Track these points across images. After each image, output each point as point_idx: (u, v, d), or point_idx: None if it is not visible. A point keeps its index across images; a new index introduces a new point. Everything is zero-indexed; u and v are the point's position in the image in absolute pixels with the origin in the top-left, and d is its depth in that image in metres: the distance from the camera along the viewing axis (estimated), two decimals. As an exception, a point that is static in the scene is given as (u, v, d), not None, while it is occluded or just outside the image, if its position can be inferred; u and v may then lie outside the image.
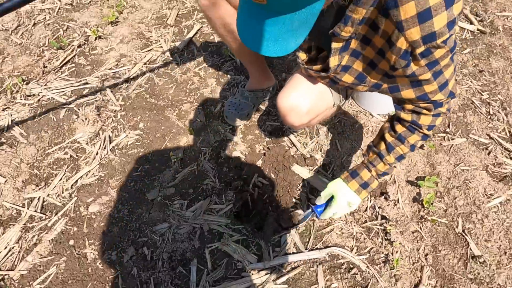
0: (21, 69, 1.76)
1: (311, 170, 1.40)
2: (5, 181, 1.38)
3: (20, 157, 1.45)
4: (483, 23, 1.96)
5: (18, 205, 1.33)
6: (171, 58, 1.81)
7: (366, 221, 1.28)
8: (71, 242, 1.24)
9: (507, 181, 1.38)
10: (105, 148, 1.48)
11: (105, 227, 1.27)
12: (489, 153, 1.45)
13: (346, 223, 1.28)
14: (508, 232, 1.25)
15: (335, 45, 0.79)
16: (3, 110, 1.60)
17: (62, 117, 1.57)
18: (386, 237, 1.24)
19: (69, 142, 1.50)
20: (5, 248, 1.23)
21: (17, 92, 1.65)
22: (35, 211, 1.31)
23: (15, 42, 1.89)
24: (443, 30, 0.69)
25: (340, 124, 1.54)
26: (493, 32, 1.91)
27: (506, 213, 1.29)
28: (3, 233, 1.26)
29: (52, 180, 1.40)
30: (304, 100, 0.98)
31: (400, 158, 0.97)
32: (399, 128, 0.94)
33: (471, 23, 1.95)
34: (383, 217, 1.28)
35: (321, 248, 1.22)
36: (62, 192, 1.36)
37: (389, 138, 0.96)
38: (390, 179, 1.37)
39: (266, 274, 1.18)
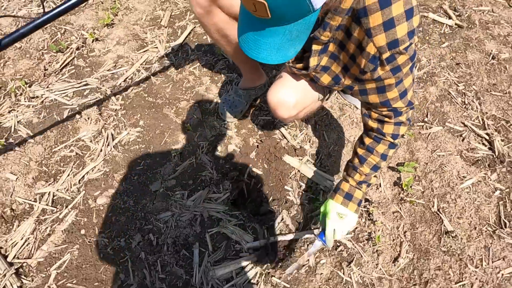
0: (22, 72, 1.88)
1: (301, 159, 1.56)
2: (16, 178, 1.51)
3: (29, 155, 1.58)
4: (461, 17, 2.12)
5: (30, 200, 1.47)
6: (166, 58, 1.94)
7: (351, 204, 1.44)
8: (82, 231, 1.38)
9: (479, 164, 1.55)
10: (108, 145, 1.61)
11: (113, 217, 1.41)
12: (463, 140, 1.62)
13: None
14: (479, 210, 1.43)
15: (315, 47, 0.95)
16: (9, 112, 1.73)
17: (66, 117, 1.71)
18: (369, 218, 1.41)
19: (74, 140, 1.64)
20: (21, 239, 1.37)
21: (21, 94, 1.78)
22: (47, 204, 1.45)
23: (15, 46, 2.00)
24: (404, 38, 0.83)
25: (327, 117, 1.70)
26: (470, 26, 2.08)
27: (477, 193, 1.47)
28: (18, 226, 1.40)
29: (60, 176, 1.53)
30: (291, 95, 1.13)
31: (375, 168, 1.08)
32: (367, 141, 1.07)
33: (450, 17, 2.12)
34: (366, 200, 1.45)
35: (311, 229, 1.39)
36: (71, 187, 1.50)
37: (360, 151, 1.08)
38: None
39: (261, 253, 1.34)
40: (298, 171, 1.53)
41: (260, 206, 1.46)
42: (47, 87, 1.82)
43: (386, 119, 1.02)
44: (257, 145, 1.62)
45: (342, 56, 0.95)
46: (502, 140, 1.61)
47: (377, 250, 1.34)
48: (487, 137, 1.63)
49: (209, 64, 1.92)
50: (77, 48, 1.99)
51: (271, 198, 1.48)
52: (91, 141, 1.64)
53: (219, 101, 1.74)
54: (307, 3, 0.65)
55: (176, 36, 2.07)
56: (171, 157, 1.57)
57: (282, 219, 1.42)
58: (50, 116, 1.71)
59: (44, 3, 2.20)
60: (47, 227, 1.40)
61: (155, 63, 1.93)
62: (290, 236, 1.36)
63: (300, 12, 0.67)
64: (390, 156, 1.09)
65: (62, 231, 1.39)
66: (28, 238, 1.37)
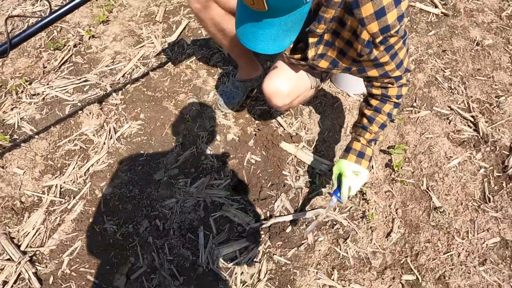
0: (22, 71, 1.96)
1: (297, 146, 1.67)
2: (24, 172, 1.60)
3: (34, 150, 1.67)
4: (446, 6, 2.25)
5: (38, 193, 1.56)
6: (163, 53, 2.03)
7: (346, 186, 1.56)
8: (91, 220, 1.48)
9: (465, 145, 1.68)
10: (111, 138, 1.71)
11: (120, 205, 1.51)
12: (449, 122, 1.75)
13: (329, 188, 1.56)
14: (465, 187, 1.56)
15: (311, 40, 1.05)
16: (11, 109, 1.80)
17: (68, 113, 1.79)
18: (363, 197, 1.53)
19: (77, 135, 1.72)
20: (33, 229, 1.46)
21: (22, 92, 1.86)
22: (55, 196, 1.54)
23: (12, 45, 2.07)
24: (395, 23, 0.94)
25: (321, 105, 1.81)
26: (455, 15, 2.21)
27: (463, 172, 1.60)
28: (29, 217, 1.49)
29: (66, 169, 1.62)
30: (285, 84, 1.24)
31: (383, 126, 1.20)
32: (374, 102, 1.18)
33: (436, 6, 2.24)
34: (360, 181, 1.57)
35: (308, 210, 1.50)
36: (77, 179, 1.59)
37: (367, 112, 1.20)
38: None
39: (263, 234, 1.45)
40: (295, 156, 1.64)
41: (260, 191, 1.57)
42: (47, 84, 1.90)
43: (389, 85, 1.14)
44: (255, 134, 1.72)
45: (337, 43, 1.06)
46: (486, 122, 1.74)
47: (371, 227, 1.46)
48: (472, 119, 1.75)
49: (205, 58, 2.01)
50: (75, 46, 2.07)
51: (270, 183, 1.59)
52: (94, 135, 1.73)
53: (217, 93, 1.84)
54: None
55: (171, 31, 2.16)
56: (173, 147, 1.67)
57: (281, 201, 1.53)
58: (52, 112, 1.79)
59: (45, 3, 2.27)
60: (56, 218, 1.49)
61: (152, 58, 2.02)
62: (289, 217, 1.48)
63: (294, 4, 0.77)
64: (394, 115, 1.22)
65: (71, 220, 1.48)
66: (39, 228, 1.47)
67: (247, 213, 1.50)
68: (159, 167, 1.61)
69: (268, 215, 1.50)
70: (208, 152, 1.66)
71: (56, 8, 1.20)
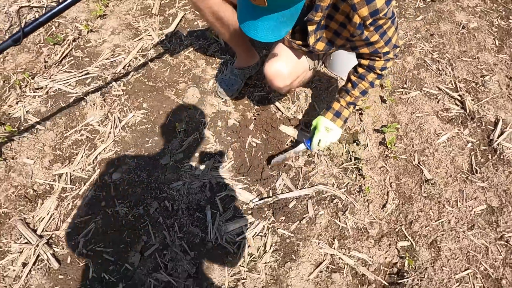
0: (23, 66, 2.05)
1: (296, 128, 1.80)
2: (34, 162, 1.70)
3: (42, 141, 1.77)
4: (433, -8, 2.39)
5: (50, 181, 1.66)
6: (161, 45, 2.14)
7: (342, 163, 1.70)
8: (103, 203, 1.59)
9: (453, 122, 1.83)
10: (116, 127, 1.82)
11: (129, 189, 1.63)
12: (438, 102, 1.90)
13: (327, 166, 1.69)
14: (453, 160, 1.71)
15: (310, 28, 1.19)
16: (16, 103, 1.90)
17: (72, 105, 1.89)
18: (359, 173, 1.67)
19: (83, 125, 1.83)
20: (47, 214, 1.57)
21: (26, 86, 1.95)
22: (66, 183, 1.65)
23: (11, 41, 2.16)
24: (383, 7, 1.09)
25: (316, 89, 1.94)
26: (442, 0, 2.35)
27: (452, 147, 1.75)
28: (42, 204, 1.60)
29: (74, 158, 1.73)
30: (285, 66, 1.37)
31: (364, 92, 1.41)
32: (360, 70, 1.39)
33: (423, -7, 2.38)
34: (356, 159, 1.71)
35: (308, 187, 1.64)
36: (86, 167, 1.70)
37: (353, 77, 1.40)
38: (360, 129, 1.79)
39: (267, 210, 1.58)
40: (294, 138, 1.77)
41: (262, 172, 1.70)
42: (50, 78, 1.99)
43: (377, 58, 1.31)
44: (255, 118, 1.85)
45: (332, 25, 1.20)
46: (472, 100, 1.89)
47: (367, 200, 1.60)
48: (459, 98, 1.91)
49: (202, 48, 2.13)
50: (74, 40, 2.17)
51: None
52: (99, 125, 1.83)
53: (216, 81, 1.96)
54: None
55: (168, 24, 2.27)
56: (177, 134, 1.79)
57: (283, 180, 1.66)
58: (56, 104, 1.90)
59: (35, -2, 2.36)
60: (69, 203, 1.60)
61: (150, 50, 2.13)
62: (290, 194, 1.61)
63: (291, 0, 0.91)
64: (376, 84, 1.42)
65: (84, 204, 1.59)
66: (53, 213, 1.58)
67: (250, 192, 1.63)
68: (164, 153, 1.73)
69: (270, 193, 1.63)
70: (210, 137, 1.78)
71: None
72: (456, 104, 1.90)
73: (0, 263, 1.46)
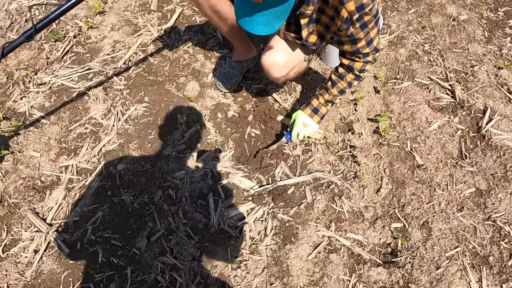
0: (26, 62, 2.14)
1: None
2: (40, 155, 1.79)
3: (47, 135, 1.86)
4: (424, -14, 2.51)
5: (56, 172, 1.76)
6: (160, 40, 2.24)
7: (338, 151, 1.81)
8: (109, 193, 1.69)
9: (443, 110, 1.95)
10: (119, 120, 1.91)
11: (134, 179, 1.72)
12: (429, 91, 2.01)
13: (323, 154, 1.80)
14: (444, 147, 1.82)
15: (303, 21, 1.29)
16: (21, 98, 1.99)
17: (75, 99, 1.98)
18: (354, 160, 1.78)
19: (86, 119, 1.92)
20: (56, 204, 1.66)
21: (29, 82, 2.04)
22: (72, 175, 1.74)
23: (12, 38, 2.24)
24: (368, 2, 1.19)
25: (312, 81, 2.05)
26: (433, -7, 2.46)
27: (443, 134, 1.86)
28: (50, 194, 1.69)
29: (80, 151, 1.82)
30: (281, 56, 1.47)
31: (341, 91, 1.55)
32: (340, 70, 1.51)
33: (415, -14, 2.49)
34: (351, 147, 1.82)
35: (306, 174, 1.74)
36: (91, 159, 1.80)
37: (333, 76, 1.54)
38: (354, 118, 1.90)
39: (266, 197, 1.69)
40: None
41: (261, 161, 1.80)
42: (53, 73, 2.08)
43: (357, 59, 1.43)
44: (253, 110, 1.95)
45: (323, 19, 1.31)
46: (462, 89, 2.01)
47: (362, 185, 1.71)
48: (449, 88, 2.02)
49: (201, 43, 2.23)
50: (74, 36, 2.25)
51: (270, 153, 1.82)
52: (102, 119, 1.93)
53: (215, 74, 2.05)
54: None
55: (166, 19, 2.36)
56: (178, 126, 1.88)
57: (281, 168, 1.77)
58: (60, 99, 1.99)
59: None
60: (76, 193, 1.70)
61: (150, 45, 2.22)
62: (289, 181, 1.72)
63: None
64: (354, 85, 1.55)
65: (90, 194, 1.69)
66: (61, 203, 1.67)
67: (251, 180, 1.74)
68: (167, 144, 1.83)
69: (270, 180, 1.74)
70: (211, 128, 1.88)
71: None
72: (446, 93, 2.01)
73: (12, 250, 1.55)
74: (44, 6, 2.40)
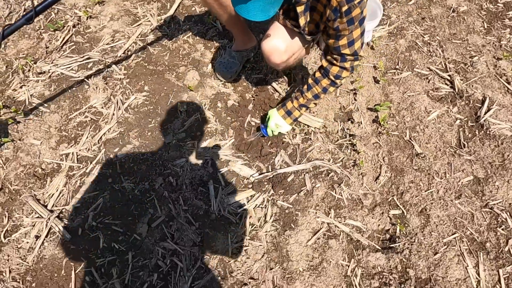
0: (25, 51, 2.17)
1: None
2: (41, 142, 1.83)
3: (48, 123, 1.89)
4: (425, -23, 2.54)
5: (57, 160, 1.79)
6: (160, 30, 2.27)
7: (338, 140, 1.85)
8: (110, 180, 1.72)
9: (442, 100, 1.99)
10: (119, 109, 1.94)
11: (135, 166, 1.76)
12: (429, 81, 2.05)
13: (323, 143, 1.84)
14: (443, 136, 1.86)
15: (299, 8, 1.33)
16: (20, 87, 2.02)
17: (75, 88, 2.02)
18: (353, 149, 1.82)
19: (86, 108, 1.95)
20: (57, 190, 1.70)
21: (28, 71, 2.07)
22: (73, 162, 1.78)
23: (11, 28, 2.27)
24: None
25: (312, 71, 2.09)
26: (433, -15, 2.50)
27: (441, 123, 1.90)
28: (51, 181, 1.73)
29: (80, 139, 1.85)
30: (281, 42, 1.51)
31: (316, 96, 1.60)
32: (317, 74, 1.57)
33: (415, -22, 2.53)
34: (351, 135, 1.86)
35: (306, 162, 1.78)
36: (91, 147, 1.83)
37: (309, 81, 1.60)
38: (354, 108, 1.94)
39: (266, 184, 1.73)
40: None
41: (261, 149, 1.84)
42: (52, 62, 2.11)
43: (335, 61, 1.47)
44: (253, 99, 1.99)
45: (318, 7, 1.34)
46: (461, 80, 2.05)
47: (361, 173, 1.75)
48: (448, 78, 2.06)
49: (201, 33, 2.26)
50: (74, 26, 2.28)
51: (269, 142, 1.86)
52: (102, 107, 1.96)
53: (215, 64, 2.09)
54: None
55: (166, 10, 2.39)
56: (178, 114, 1.92)
57: (281, 156, 1.81)
58: (60, 88, 2.02)
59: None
60: (77, 180, 1.73)
61: (150, 35, 2.25)
62: (289, 169, 1.76)
63: None
64: (330, 91, 1.59)
65: (91, 182, 1.72)
66: (62, 190, 1.70)
67: (251, 168, 1.77)
68: (167, 132, 1.86)
69: (270, 168, 1.78)
70: (211, 117, 1.92)
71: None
72: (445, 83, 2.05)
73: (13, 236, 1.59)
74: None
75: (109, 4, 2.39)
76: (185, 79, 2.05)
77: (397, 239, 1.59)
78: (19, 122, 1.88)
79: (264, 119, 1.83)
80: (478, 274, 1.50)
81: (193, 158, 1.78)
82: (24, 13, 2.34)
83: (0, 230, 1.60)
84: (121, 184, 1.71)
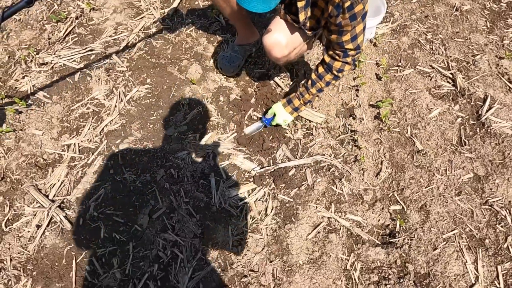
0: (27, 42, 2.18)
1: (295, 103, 1.96)
2: (42, 133, 1.84)
3: (50, 114, 1.90)
4: (428, -25, 2.56)
5: (59, 151, 1.80)
6: (163, 23, 2.28)
7: (339, 135, 1.87)
8: (111, 171, 1.74)
9: (444, 98, 2.01)
10: (121, 101, 1.96)
11: (136, 158, 1.77)
12: (431, 79, 2.07)
13: (324, 138, 1.86)
14: (444, 133, 1.88)
15: (300, 4, 1.35)
16: (23, 78, 2.03)
17: (78, 80, 2.03)
18: (355, 144, 1.84)
19: (88, 99, 1.97)
20: (58, 181, 1.71)
21: (31, 61, 2.08)
22: (74, 153, 1.79)
23: (14, 18, 2.28)
24: None
25: (315, 66, 2.10)
26: (436, -17, 2.52)
27: (443, 121, 1.92)
28: (53, 172, 1.74)
29: (82, 130, 1.87)
30: (283, 36, 1.52)
31: (320, 90, 1.65)
32: (320, 70, 1.60)
33: (419, -24, 2.55)
34: (352, 131, 1.87)
35: (307, 157, 1.80)
36: (93, 138, 1.84)
37: (313, 76, 1.63)
38: (356, 104, 1.96)
39: (267, 178, 1.74)
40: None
41: (262, 143, 1.86)
42: (54, 54, 2.12)
43: (337, 57, 1.50)
44: (255, 93, 2.00)
45: (319, 2, 1.36)
46: (463, 78, 2.07)
47: (362, 169, 1.77)
48: (451, 76, 2.08)
49: (204, 27, 2.27)
50: (76, 18, 2.29)
51: (271, 136, 1.88)
52: (104, 99, 1.97)
53: (218, 58, 2.10)
54: None
55: (169, 3, 2.40)
56: (180, 107, 1.93)
57: (282, 151, 1.82)
58: (62, 79, 2.03)
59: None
60: (78, 171, 1.75)
61: (153, 28, 2.27)
62: (290, 163, 1.77)
63: None
64: (332, 84, 1.65)
65: (93, 172, 1.74)
66: (64, 180, 1.72)
67: (252, 162, 1.79)
68: (169, 125, 1.88)
69: (271, 162, 1.79)
70: (213, 110, 1.94)
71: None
72: (447, 81, 2.07)
73: (15, 224, 1.60)
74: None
75: (112, -3, 2.41)
76: (187, 73, 2.06)
77: (396, 234, 1.61)
78: (21, 112, 1.89)
79: (266, 113, 1.85)
80: (477, 270, 1.52)
81: (194, 151, 1.80)
82: None
83: (2, 219, 1.62)
84: (123, 176, 1.73)
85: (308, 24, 1.46)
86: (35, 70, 2.06)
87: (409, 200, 1.69)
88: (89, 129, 1.87)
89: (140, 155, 1.79)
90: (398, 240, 1.59)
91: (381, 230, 1.64)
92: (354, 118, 1.91)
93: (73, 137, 1.85)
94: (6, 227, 1.60)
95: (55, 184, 1.71)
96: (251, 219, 1.64)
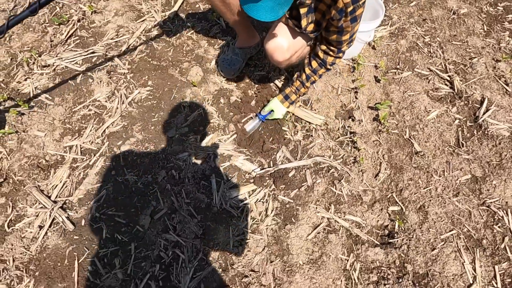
0: (29, 45, 2.19)
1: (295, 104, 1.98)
2: (45, 134, 1.85)
3: (52, 116, 1.92)
4: (426, -21, 2.59)
5: (61, 152, 1.82)
6: (164, 26, 2.30)
7: (339, 137, 1.89)
8: (113, 172, 1.75)
9: (442, 100, 2.03)
10: (123, 103, 1.97)
11: (138, 159, 1.79)
12: (429, 82, 2.09)
13: (324, 140, 1.88)
14: (442, 135, 1.90)
15: (302, 10, 1.37)
16: (25, 80, 2.04)
17: (79, 82, 2.04)
18: (354, 146, 1.86)
19: (90, 101, 1.98)
20: (60, 182, 1.72)
21: (33, 63, 2.09)
22: (76, 154, 1.81)
23: (16, 21, 2.29)
24: None
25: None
26: (434, -13, 2.55)
27: (441, 123, 1.94)
28: (55, 173, 1.75)
29: (84, 131, 1.88)
30: (284, 40, 1.54)
31: (313, 83, 1.76)
32: (314, 64, 1.67)
33: (417, -20, 2.58)
34: (351, 133, 1.89)
35: (307, 159, 1.82)
36: (95, 140, 1.86)
37: (307, 71, 1.70)
38: (355, 106, 1.98)
39: (268, 179, 1.76)
40: (293, 114, 1.95)
41: (263, 145, 1.88)
42: (57, 56, 2.14)
43: (331, 52, 1.57)
44: (256, 95, 2.02)
45: (320, 6, 1.39)
46: (460, 80, 2.09)
47: (361, 170, 1.79)
48: (448, 79, 2.10)
49: (204, 30, 2.29)
50: (78, 20, 2.31)
51: (271, 138, 1.90)
52: (106, 101, 1.99)
53: (218, 60, 2.12)
54: None
55: (170, 6, 2.42)
56: (182, 109, 1.95)
57: (282, 152, 1.84)
58: (64, 81, 2.04)
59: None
60: (80, 173, 1.76)
61: (154, 31, 2.28)
62: (290, 165, 1.79)
63: None
64: (323, 75, 1.78)
65: (94, 174, 1.75)
66: (66, 181, 1.73)
67: (252, 163, 1.81)
68: (170, 127, 1.89)
69: (271, 164, 1.81)
70: (214, 112, 1.95)
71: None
72: (445, 84, 2.10)
73: (17, 225, 1.61)
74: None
75: (113, 0, 2.42)
76: (188, 75, 2.08)
77: (395, 234, 1.63)
78: (23, 114, 1.91)
79: (262, 109, 1.92)
80: (475, 270, 1.54)
81: (195, 152, 1.81)
82: (29, 4, 2.37)
83: (4, 220, 1.63)
84: (124, 177, 1.74)
85: (308, 29, 1.48)
86: (37, 72, 2.08)
87: (407, 201, 1.71)
88: (91, 130, 1.89)
89: (142, 156, 1.80)
90: (397, 241, 1.61)
91: (380, 231, 1.66)
92: (353, 120, 1.93)
93: (75, 139, 1.86)
94: (8, 227, 1.61)
95: (57, 185, 1.72)
96: (252, 220, 1.66)
